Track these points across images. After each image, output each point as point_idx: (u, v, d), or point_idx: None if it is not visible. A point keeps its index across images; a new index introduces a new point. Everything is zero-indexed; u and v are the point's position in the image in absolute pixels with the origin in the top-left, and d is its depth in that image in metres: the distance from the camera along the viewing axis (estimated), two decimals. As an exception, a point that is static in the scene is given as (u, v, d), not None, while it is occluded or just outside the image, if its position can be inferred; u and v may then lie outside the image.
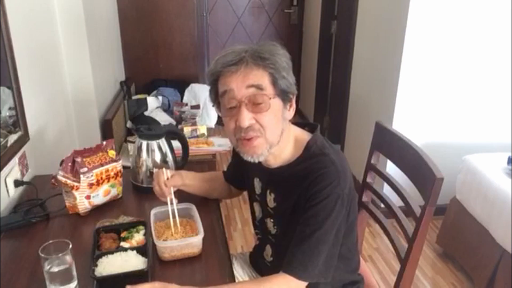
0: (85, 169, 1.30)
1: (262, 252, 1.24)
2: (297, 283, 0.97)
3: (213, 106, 1.08)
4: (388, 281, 2.23)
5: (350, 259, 1.20)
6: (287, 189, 1.07)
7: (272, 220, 1.16)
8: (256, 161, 1.05)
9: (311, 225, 0.98)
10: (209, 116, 3.06)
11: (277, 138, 1.02)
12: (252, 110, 0.98)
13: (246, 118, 0.97)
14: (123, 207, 1.41)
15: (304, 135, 1.10)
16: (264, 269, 1.22)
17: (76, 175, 1.30)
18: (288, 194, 1.06)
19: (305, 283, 0.98)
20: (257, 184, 1.19)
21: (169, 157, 1.50)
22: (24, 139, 1.54)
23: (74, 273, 1.00)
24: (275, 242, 1.17)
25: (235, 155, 1.31)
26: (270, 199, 1.14)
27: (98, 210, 1.36)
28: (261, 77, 0.98)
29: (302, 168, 1.03)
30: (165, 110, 3.07)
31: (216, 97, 1.04)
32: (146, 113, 2.89)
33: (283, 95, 1.01)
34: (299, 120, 1.17)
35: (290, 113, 1.06)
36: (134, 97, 3.04)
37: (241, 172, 1.28)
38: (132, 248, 1.08)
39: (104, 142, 1.41)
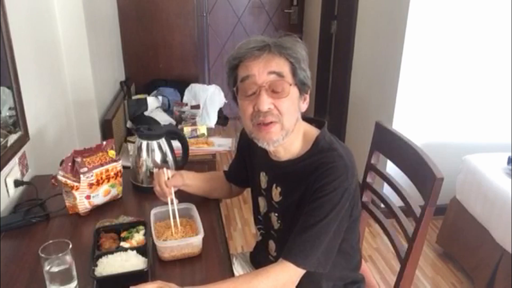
0: (85, 169, 1.30)
1: (266, 248, 1.24)
2: (296, 270, 0.98)
3: (233, 89, 1.07)
4: (388, 281, 2.23)
5: (352, 256, 1.21)
6: (294, 183, 1.07)
7: (276, 215, 1.16)
8: (271, 148, 1.06)
9: (315, 215, 0.99)
10: (209, 116, 3.06)
11: (292, 126, 1.04)
12: (271, 96, 0.99)
13: (266, 102, 0.99)
14: (123, 207, 1.41)
15: (312, 130, 1.11)
16: (267, 265, 1.23)
17: (76, 175, 1.30)
18: (294, 188, 1.07)
19: (303, 271, 1.00)
20: (263, 178, 1.19)
21: (169, 157, 1.50)
22: (24, 139, 1.54)
23: (74, 273, 1.00)
24: (278, 237, 1.18)
25: (240, 150, 1.32)
26: (276, 193, 1.14)
27: (98, 210, 1.36)
28: (283, 65, 1.00)
29: (311, 162, 1.04)
30: (165, 110, 3.07)
31: (235, 83, 1.05)
32: (146, 113, 2.89)
33: (301, 85, 1.03)
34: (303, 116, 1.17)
35: (304, 106, 1.08)
36: (134, 97, 3.03)
37: (244, 169, 1.29)
38: (132, 248, 1.08)
39: (104, 142, 1.41)
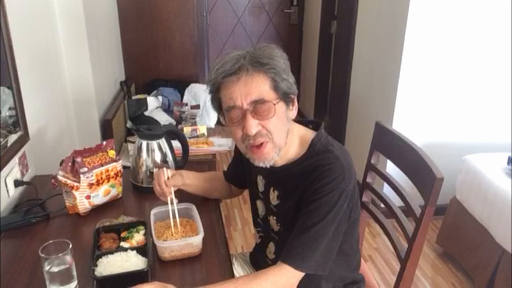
0: (85, 169, 1.30)
1: (264, 250, 1.24)
2: (294, 273, 0.98)
3: (218, 116, 1.07)
4: (388, 281, 2.24)
5: (351, 257, 1.21)
6: (291, 186, 1.07)
7: (275, 218, 1.16)
8: (268, 165, 1.06)
9: (312, 217, 0.99)
10: (209, 116, 3.06)
11: (284, 140, 1.04)
12: (257, 118, 0.99)
13: (253, 125, 0.98)
14: (123, 207, 1.41)
15: (308, 133, 1.10)
16: (265, 268, 1.23)
17: (76, 175, 1.30)
18: (292, 191, 1.07)
19: (302, 274, 0.99)
20: (260, 181, 1.19)
21: (169, 157, 1.50)
22: (24, 139, 1.54)
23: (74, 273, 1.00)
24: (278, 240, 1.18)
25: (238, 154, 1.32)
26: (274, 196, 1.14)
27: (98, 210, 1.36)
28: (263, 84, 0.97)
29: (307, 165, 1.04)
30: (165, 110, 3.07)
31: (220, 107, 1.05)
32: (146, 113, 2.89)
33: (285, 97, 1.02)
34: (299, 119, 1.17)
35: (293, 112, 1.07)
36: (134, 97, 3.04)
37: (243, 171, 1.29)
38: (132, 248, 1.08)
39: (104, 142, 1.41)
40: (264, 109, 0.98)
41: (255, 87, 0.97)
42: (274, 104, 0.99)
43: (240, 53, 0.99)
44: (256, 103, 0.97)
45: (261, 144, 1.01)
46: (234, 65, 0.97)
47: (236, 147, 1.31)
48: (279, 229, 1.16)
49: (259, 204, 1.23)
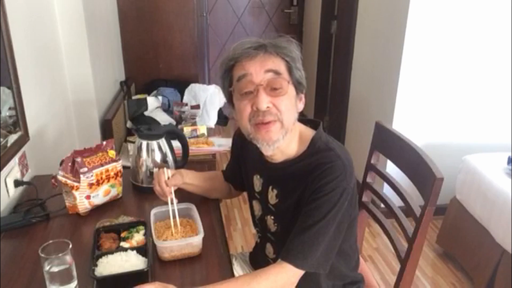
0: (85, 169, 1.30)
1: (263, 250, 1.24)
2: (295, 271, 0.98)
3: (229, 89, 1.05)
4: (388, 281, 2.23)
5: (351, 256, 1.20)
6: (291, 184, 1.07)
7: (272, 217, 1.16)
8: (270, 151, 1.05)
9: (313, 216, 0.99)
10: (209, 116, 3.06)
11: (291, 124, 1.03)
12: (269, 94, 0.99)
13: (264, 101, 0.98)
14: (123, 207, 1.41)
15: (308, 132, 1.10)
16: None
17: (76, 175, 1.30)
18: (292, 189, 1.07)
19: (302, 272, 0.99)
20: (257, 181, 1.19)
21: (169, 157, 1.50)
22: (24, 139, 1.54)
23: (74, 273, 1.00)
24: (275, 240, 1.17)
25: (234, 153, 1.32)
26: (272, 195, 1.13)
27: (98, 210, 1.36)
28: (279, 64, 1.00)
29: (307, 163, 1.04)
30: (165, 110, 3.07)
31: (230, 85, 1.04)
32: (146, 113, 2.89)
33: (297, 84, 1.03)
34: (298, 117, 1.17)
35: (301, 106, 1.07)
36: (134, 97, 3.04)
37: (240, 171, 1.28)
38: (132, 248, 1.08)
39: (104, 142, 1.41)
40: (277, 83, 0.99)
41: (271, 63, 0.99)
42: (288, 82, 1.00)
43: (260, 39, 1.03)
44: (271, 75, 0.98)
45: (269, 122, 1.00)
46: (254, 43, 1.01)
47: (231, 148, 1.31)
48: (275, 229, 1.16)
49: (255, 205, 1.22)
